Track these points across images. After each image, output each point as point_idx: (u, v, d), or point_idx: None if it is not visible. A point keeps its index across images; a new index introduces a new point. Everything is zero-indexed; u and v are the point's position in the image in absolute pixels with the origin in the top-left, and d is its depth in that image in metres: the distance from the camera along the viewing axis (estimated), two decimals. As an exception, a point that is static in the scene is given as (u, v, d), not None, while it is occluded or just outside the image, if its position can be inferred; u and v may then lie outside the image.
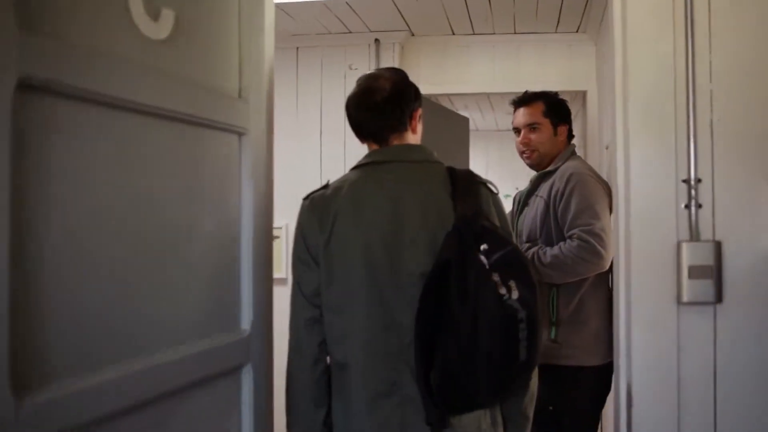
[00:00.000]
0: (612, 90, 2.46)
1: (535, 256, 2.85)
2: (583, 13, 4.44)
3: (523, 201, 3.15)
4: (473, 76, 4.84)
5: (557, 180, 2.98)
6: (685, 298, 2.20)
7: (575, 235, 2.79)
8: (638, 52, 2.23)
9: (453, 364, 1.80)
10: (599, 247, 2.76)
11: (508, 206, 2.58)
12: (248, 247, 1.91)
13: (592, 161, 4.64)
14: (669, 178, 2.19)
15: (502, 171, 8.58)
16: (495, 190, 2.09)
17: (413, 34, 4.83)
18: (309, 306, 2.00)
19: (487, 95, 6.30)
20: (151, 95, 1.51)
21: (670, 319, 2.14)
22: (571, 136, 3.22)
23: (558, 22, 4.57)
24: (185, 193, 1.66)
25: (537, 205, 3.02)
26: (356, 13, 4.42)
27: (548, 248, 2.86)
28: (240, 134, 1.89)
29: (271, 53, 2.06)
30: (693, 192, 2.15)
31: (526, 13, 4.44)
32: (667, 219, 2.18)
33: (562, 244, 2.83)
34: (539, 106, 3.15)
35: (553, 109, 3.15)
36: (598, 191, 2.92)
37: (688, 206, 2.20)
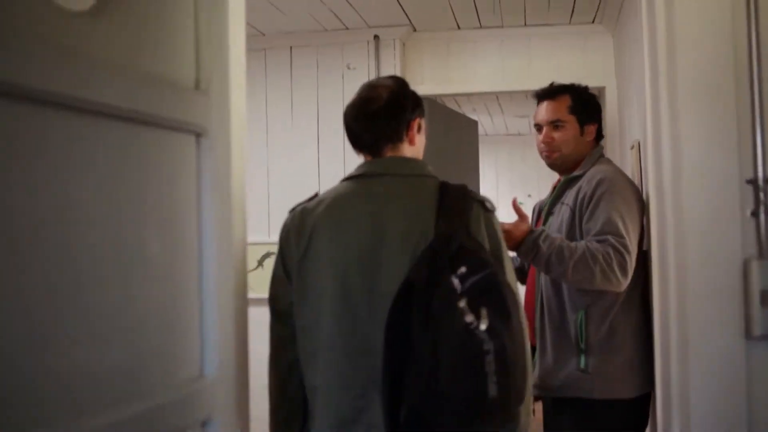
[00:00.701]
0: (644, 73, 2.09)
1: (564, 247, 2.45)
2: (600, 3, 4.09)
3: (547, 210, 2.78)
4: (480, 74, 4.48)
5: (584, 185, 2.62)
6: (756, 332, 1.78)
7: (608, 242, 2.42)
8: (686, 17, 1.79)
9: (417, 398, 1.67)
10: (629, 265, 2.41)
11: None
12: (211, 274, 1.54)
13: (612, 164, 4.27)
14: (730, 178, 1.77)
15: (512, 177, 8.22)
16: (490, 208, 1.92)
17: (415, 30, 4.48)
18: (280, 323, 1.97)
19: (496, 96, 5.94)
20: (70, 84, 1.14)
21: (737, 357, 1.71)
22: (600, 136, 2.85)
23: (572, 12, 4.22)
24: (120, 208, 1.30)
25: (562, 213, 2.67)
26: (353, 7, 4.08)
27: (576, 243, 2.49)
28: (198, 135, 1.52)
29: (240, 35, 1.71)
30: (762, 195, 1.72)
31: (537, 4, 4.09)
32: (730, 231, 1.75)
33: (589, 243, 2.45)
34: (565, 101, 2.78)
35: (580, 105, 2.78)
36: (631, 202, 2.56)
37: (755, 213, 1.77)
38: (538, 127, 2.83)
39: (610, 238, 2.43)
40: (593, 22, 4.36)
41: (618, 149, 4.26)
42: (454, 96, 5.04)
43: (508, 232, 2.41)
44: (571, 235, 2.58)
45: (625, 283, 2.43)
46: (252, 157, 4.46)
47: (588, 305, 2.52)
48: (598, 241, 2.44)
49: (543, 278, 2.68)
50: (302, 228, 1.94)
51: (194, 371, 1.51)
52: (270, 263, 4.33)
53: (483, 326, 1.63)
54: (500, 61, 4.48)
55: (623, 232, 2.45)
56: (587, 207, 2.56)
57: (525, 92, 5.67)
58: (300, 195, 3.96)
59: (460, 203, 1.86)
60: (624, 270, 2.41)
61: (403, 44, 4.48)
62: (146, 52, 1.39)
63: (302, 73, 4.48)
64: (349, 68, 4.43)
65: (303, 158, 4.46)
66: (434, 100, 4.72)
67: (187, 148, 1.51)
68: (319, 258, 1.90)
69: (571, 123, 2.75)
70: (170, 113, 1.43)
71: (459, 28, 4.45)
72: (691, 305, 1.76)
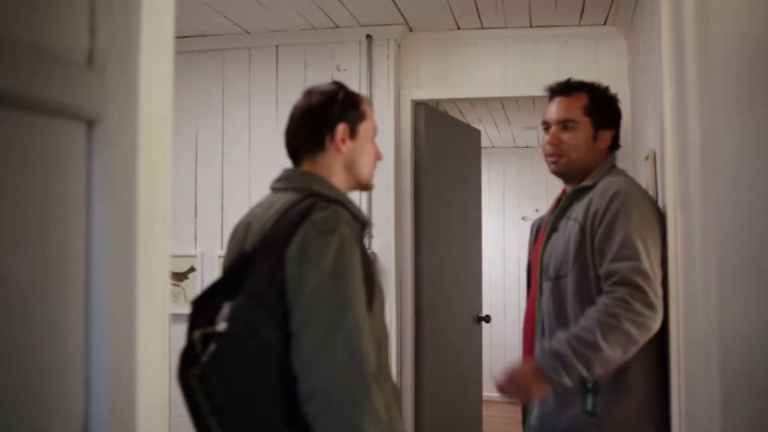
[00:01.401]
0: (664, 67, 1.73)
1: (568, 348, 2.09)
2: (612, 2, 3.75)
3: (550, 225, 2.43)
4: (482, 79, 4.13)
5: (596, 198, 2.28)
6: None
7: (617, 279, 2.08)
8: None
9: None
10: (652, 296, 2.07)
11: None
12: (102, 300, 1.20)
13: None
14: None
15: (520, 192, 7.86)
16: (324, 228, 1.71)
17: (411, 29, 4.14)
18: None
19: (502, 105, 5.59)
20: None
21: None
22: (615, 146, 2.51)
23: (582, 12, 3.87)
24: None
25: (569, 230, 2.32)
26: (343, 4, 3.75)
27: (577, 326, 2.14)
28: (90, 123, 1.18)
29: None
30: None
31: (543, 3, 3.75)
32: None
33: (596, 307, 2.13)
34: (580, 100, 2.44)
35: (597, 107, 2.44)
36: (650, 218, 2.23)
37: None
38: (546, 126, 2.49)
39: (622, 268, 2.10)
40: (605, 23, 4.02)
41: (630, 160, 3.90)
42: (454, 101, 4.68)
43: (516, 380, 2.15)
44: (581, 256, 2.24)
45: (659, 314, 2.11)
46: (235, 162, 4.12)
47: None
48: (607, 292, 2.13)
49: (545, 302, 2.33)
50: None
51: (74, 428, 1.17)
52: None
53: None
54: (503, 65, 4.14)
55: (643, 254, 2.12)
56: (600, 223, 2.22)
57: (530, 99, 5.36)
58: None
59: (286, 227, 1.73)
60: (648, 303, 2.09)
61: (398, 45, 4.14)
62: (17, 13, 1.05)
63: (289, 74, 4.15)
64: (339, 70, 4.09)
65: (288, 162, 4.11)
66: (433, 107, 4.38)
67: (73, 139, 1.17)
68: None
69: (585, 125, 2.42)
70: (50, 94, 1.09)
71: (459, 28, 4.11)
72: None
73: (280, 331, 1.65)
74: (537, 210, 7.73)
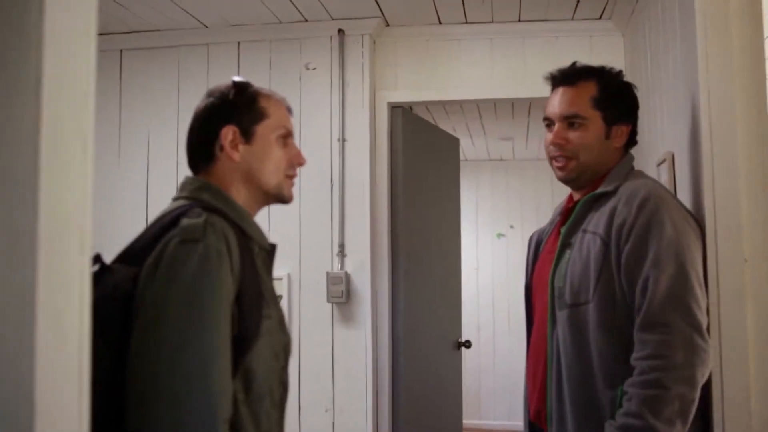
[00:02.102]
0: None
1: None
2: (609, -6, 3.40)
3: (562, 240, 2.01)
4: (466, 79, 3.74)
5: (621, 206, 1.89)
6: None
7: (649, 318, 1.78)
8: None
9: None
10: (696, 337, 1.76)
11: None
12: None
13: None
14: None
15: (494, 206, 7.49)
16: (186, 237, 1.44)
17: (388, 24, 3.74)
18: None
19: (478, 110, 5.20)
20: None
21: None
22: (632, 142, 2.11)
23: (576, 6, 3.51)
24: None
25: (588, 245, 1.92)
26: (313, -6, 3.35)
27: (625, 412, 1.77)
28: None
29: None
30: None
31: (534, -5, 3.39)
32: None
33: (633, 378, 1.78)
34: (588, 90, 2.03)
35: (610, 98, 2.03)
36: (688, 232, 1.87)
37: None
38: (548, 122, 2.08)
39: (654, 304, 1.78)
40: (600, 17, 3.66)
41: (636, 166, 3.53)
42: (428, 107, 4.29)
43: None
44: (604, 277, 1.86)
45: (709, 344, 1.77)
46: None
47: (627, 376, 1.78)
48: (639, 341, 1.79)
49: (560, 336, 1.93)
50: None
51: None
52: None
53: None
54: (489, 63, 3.75)
55: (678, 276, 1.77)
56: (628, 237, 1.84)
57: (510, 105, 4.99)
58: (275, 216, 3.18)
59: (157, 231, 1.49)
60: (691, 345, 1.74)
61: (374, 41, 3.73)
62: None
63: (252, 73, 3.69)
64: (307, 68, 3.67)
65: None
66: (411, 112, 3.98)
67: None
68: None
69: (595, 121, 2.01)
70: None
71: (440, 22, 3.72)
72: None
73: (111, 351, 1.37)
74: (512, 226, 7.37)
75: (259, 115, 1.67)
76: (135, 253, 1.46)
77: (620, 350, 1.82)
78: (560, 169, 2.05)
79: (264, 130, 1.67)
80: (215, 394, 1.35)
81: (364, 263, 3.59)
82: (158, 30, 3.72)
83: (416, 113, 4.78)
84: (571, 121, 2.01)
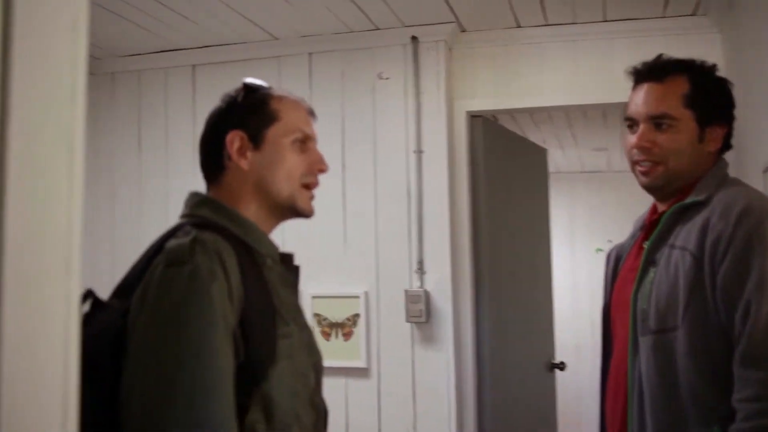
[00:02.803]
0: None
1: None
2: (703, -13, 3.13)
3: (646, 257, 1.77)
4: (548, 84, 3.52)
5: (716, 218, 1.64)
6: None
7: (754, 355, 1.55)
8: None
9: None
10: None
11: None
12: None
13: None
14: None
15: (591, 221, 7.16)
16: (172, 260, 1.32)
17: (464, 29, 3.57)
18: None
19: (567, 117, 4.96)
20: None
21: None
22: (726, 146, 1.86)
23: (666, 1, 3.26)
24: None
25: (676, 263, 1.68)
26: (384, 1, 3.22)
27: None
28: None
29: None
30: None
31: (620, -9, 3.16)
32: None
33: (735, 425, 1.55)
34: (679, 86, 1.80)
35: (704, 95, 1.80)
36: None
37: None
38: (631, 123, 1.86)
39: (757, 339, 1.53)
40: (694, 13, 3.39)
41: (733, 174, 3.23)
42: (514, 116, 4.09)
43: None
44: (697, 300, 1.62)
45: None
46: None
47: (726, 417, 1.54)
48: (739, 379, 1.55)
49: (644, 365, 1.69)
50: None
51: None
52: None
53: None
54: (573, 67, 3.53)
55: None
56: (725, 255, 1.59)
57: (600, 111, 4.71)
58: (323, 234, 3.10)
59: (146, 256, 1.38)
60: None
61: (449, 48, 3.57)
62: None
63: (324, 84, 3.61)
64: (380, 78, 3.54)
65: (324, 187, 3.57)
66: (492, 121, 3.79)
67: None
68: None
69: (686, 122, 1.77)
70: None
71: (519, 25, 3.52)
72: None
73: (103, 397, 1.25)
74: (610, 241, 7.01)
75: (269, 118, 1.52)
76: (127, 285, 1.35)
77: (715, 383, 1.59)
78: (644, 174, 1.83)
79: (275, 134, 1.51)
80: (215, 426, 1.22)
81: (445, 280, 3.41)
82: (229, 44, 3.67)
83: (501, 124, 4.59)
84: (658, 121, 1.78)
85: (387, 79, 3.52)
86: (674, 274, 1.66)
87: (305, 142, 1.55)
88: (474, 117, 3.63)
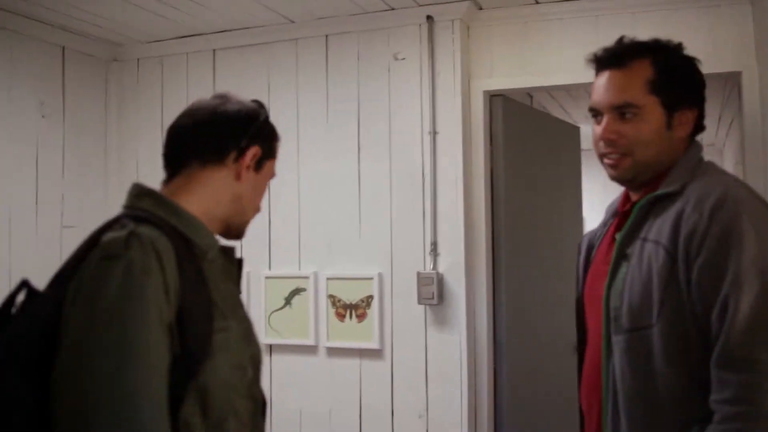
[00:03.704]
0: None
1: None
2: (730, -44, 2.97)
3: (617, 251, 1.69)
4: (568, 61, 3.41)
5: (690, 209, 1.57)
6: None
7: (727, 358, 1.50)
8: None
9: None
10: None
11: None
12: None
13: (754, 180, 3.09)
14: None
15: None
16: (106, 253, 1.30)
17: (481, 7, 3.48)
18: None
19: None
20: None
21: None
22: (698, 127, 1.77)
23: (691, -28, 3.11)
24: None
25: (648, 257, 1.61)
26: (397, -19, 3.17)
27: None
28: None
29: None
30: None
31: (641, -37, 3.02)
32: None
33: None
34: (642, 72, 1.72)
35: (670, 79, 1.71)
36: None
37: None
38: (595, 113, 1.79)
39: (732, 340, 1.47)
40: (723, -15, 3.23)
41: (762, 157, 3.09)
42: (529, 91, 3.97)
43: None
44: (671, 296, 1.56)
45: None
46: (281, 167, 3.60)
47: (704, 420, 1.49)
48: (716, 384, 1.50)
49: (618, 366, 1.64)
50: None
51: None
52: (300, 301, 3.48)
53: None
54: (595, 43, 3.34)
55: None
56: (700, 249, 1.53)
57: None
58: (338, 215, 3.13)
59: (80, 250, 1.36)
60: None
61: (466, 26, 3.50)
62: None
63: (341, 66, 3.60)
64: (396, 59, 3.50)
65: (340, 168, 3.58)
66: (514, 99, 3.71)
67: None
68: None
69: (652, 109, 1.69)
70: None
71: (537, 2, 3.41)
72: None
73: (33, 389, 1.24)
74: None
75: (273, 152, 1.63)
76: (63, 276, 1.33)
77: (693, 384, 1.53)
78: (612, 167, 1.75)
79: (269, 169, 1.63)
80: (146, 425, 1.22)
81: (458, 262, 3.38)
82: (247, 28, 3.69)
83: (538, 101, 4.49)
84: (622, 111, 1.70)
85: (403, 59, 3.48)
86: (647, 270, 1.59)
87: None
88: (494, 96, 3.56)
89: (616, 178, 1.78)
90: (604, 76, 1.76)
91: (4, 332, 1.28)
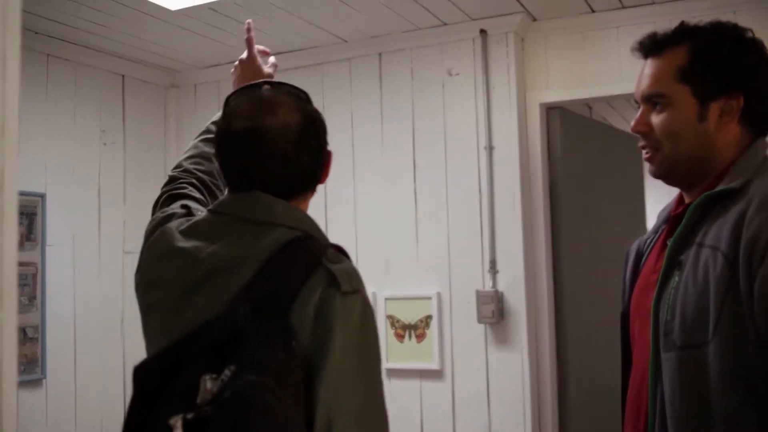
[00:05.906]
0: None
1: None
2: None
3: (668, 258, 1.53)
4: (627, 70, 3.32)
5: (753, 211, 1.39)
6: None
7: None
8: None
9: None
10: None
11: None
12: None
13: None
14: None
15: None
16: (347, 289, 1.27)
17: (535, 19, 3.43)
18: None
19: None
20: None
21: None
22: (764, 125, 1.57)
23: (753, -26, 3.00)
24: None
25: (705, 265, 1.44)
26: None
27: None
28: None
29: None
30: None
31: (699, -34, 2.93)
32: None
33: None
34: (675, 58, 1.55)
35: (703, 66, 1.53)
36: None
37: None
38: (638, 106, 1.68)
39: None
40: (786, -15, 3.11)
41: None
42: (587, 102, 3.88)
43: None
44: (730, 310, 1.37)
45: None
46: (337, 186, 3.59)
47: None
48: None
49: (668, 385, 1.45)
50: None
51: None
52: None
53: None
54: (654, 52, 3.31)
55: None
56: (763, 258, 1.34)
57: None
58: (395, 235, 3.10)
59: (295, 274, 1.29)
60: None
61: (521, 39, 3.45)
62: None
63: (394, 84, 3.58)
64: (450, 74, 3.47)
65: (396, 187, 3.55)
66: (572, 111, 3.63)
67: None
68: None
69: (681, 99, 1.52)
70: None
71: (593, 11, 3.35)
72: None
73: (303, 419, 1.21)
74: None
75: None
76: (270, 300, 1.27)
77: (752, 408, 1.37)
78: (648, 161, 1.60)
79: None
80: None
81: (518, 280, 3.30)
82: (301, 49, 3.71)
83: (598, 113, 4.40)
84: (654, 101, 1.55)
85: (457, 75, 3.45)
86: (703, 279, 1.42)
87: None
88: (551, 109, 3.49)
89: (652, 175, 1.67)
90: (645, 65, 1.66)
91: (262, 355, 1.19)
